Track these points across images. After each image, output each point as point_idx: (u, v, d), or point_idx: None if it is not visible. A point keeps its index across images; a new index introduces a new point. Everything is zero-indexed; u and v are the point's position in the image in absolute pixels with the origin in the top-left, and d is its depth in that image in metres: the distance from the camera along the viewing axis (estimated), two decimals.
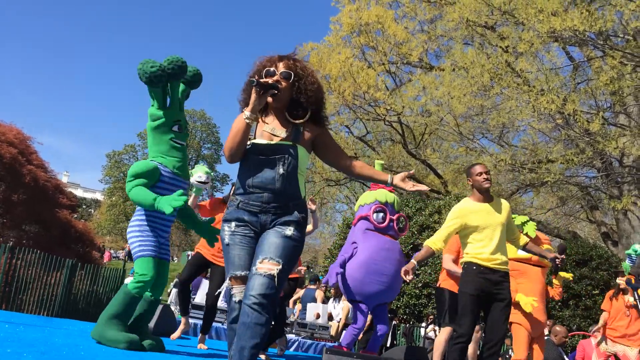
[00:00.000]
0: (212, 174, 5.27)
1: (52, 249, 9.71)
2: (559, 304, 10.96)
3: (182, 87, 4.11)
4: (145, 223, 3.92)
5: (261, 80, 2.60)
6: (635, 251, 6.61)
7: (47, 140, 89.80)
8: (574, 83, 12.44)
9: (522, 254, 5.04)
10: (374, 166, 5.38)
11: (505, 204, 4.37)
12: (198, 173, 5.31)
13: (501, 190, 14.46)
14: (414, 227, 12.42)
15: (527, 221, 5.11)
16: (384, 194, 5.47)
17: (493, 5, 12.55)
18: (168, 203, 3.61)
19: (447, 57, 16.53)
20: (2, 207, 10.42)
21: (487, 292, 4.11)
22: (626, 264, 6.80)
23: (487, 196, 4.34)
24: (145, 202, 3.72)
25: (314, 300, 9.81)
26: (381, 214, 5.32)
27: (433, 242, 4.30)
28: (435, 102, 15.79)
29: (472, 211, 4.28)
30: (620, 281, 6.57)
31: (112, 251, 36.06)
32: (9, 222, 10.84)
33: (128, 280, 8.97)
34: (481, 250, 4.21)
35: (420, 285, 11.98)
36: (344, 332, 6.11)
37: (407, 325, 11.37)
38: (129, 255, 33.95)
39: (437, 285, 5.83)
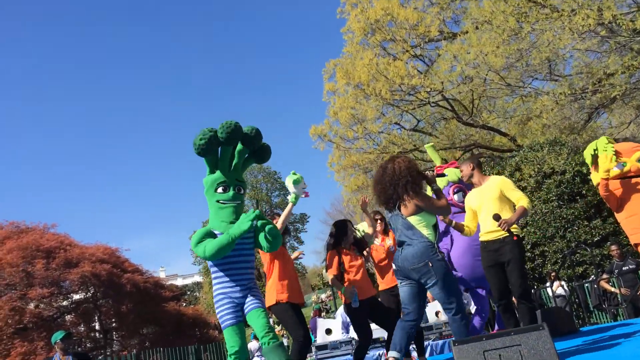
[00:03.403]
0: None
1: (172, 342, 10.06)
2: None
3: (239, 147, 4.18)
4: (220, 290, 3.97)
5: None
6: None
7: (135, 244, 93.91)
8: None
9: (616, 170, 4.71)
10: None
11: (495, 180, 4.71)
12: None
13: (572, 123, 13.76)
14: None
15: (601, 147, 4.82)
16: (454, 173, 5.28)
17: None
18: (243, 220, 3.75)
19: (465, 17, 16.12)
20: (115, 320, 11.00)
21: (495, 260, 4.51)
22: None
23: (478, 182, 4.81)
24: (223, 243, 3.79)
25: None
26: (461, 193, 5.18)
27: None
28: (471, 66, 15.34)
29: (469, 197, 4.82)
30: None
31: None
32: (127, 332, 11.40)
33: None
34: (482, 227, 4.62)
35: (529, 246, 11.51)
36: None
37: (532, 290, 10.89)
38: None
39: None
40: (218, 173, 4.09)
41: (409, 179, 3.95)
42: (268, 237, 4.01)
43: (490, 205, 4.57)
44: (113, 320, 11.35)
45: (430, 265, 3.81)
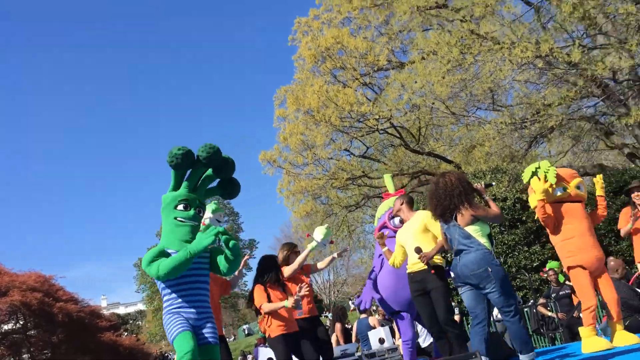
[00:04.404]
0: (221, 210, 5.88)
1: None
2: (614, 238, 10.54)
3: (208, 172, 4.06)
4: (172, 310, 3.76)
5: None
6: None
7: (76, 272, 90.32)
8: (541, 24, 12.27)
9: (558, 194, 4.87)
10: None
11: (419, 215, 4.86)
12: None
13: (513, 151, 14.19)
14: None
15: (538, 168, 4.95)
16: (393, 201, 5.38)
17: None
18: (206, 235, 3.58)
19: (413, 48, 16.49)
20: (47, 352, 10.39)
21: (422, 290, 4.65)
22: None
23: (406, 217, 4.94)
24: (180, 260, 3.60)
25: (371, 327, 9.52)
26: (397, 218, 5.26)
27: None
28: (418, 95, 15.65)
29: (399, 233, 4.95)
30: None
31: (169, 354, 35.86)
32: None
33: None
34: (409, 260, 4.74)
35: None
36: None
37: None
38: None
39: None
40: (182, 190, 3.94)
41: (461, 189, 4.22)
42: (229, 256, 3.77)
43: (414, 238, 4.69)
44: (45, 352, 10.75)
45: (490, 270, 4.02)
